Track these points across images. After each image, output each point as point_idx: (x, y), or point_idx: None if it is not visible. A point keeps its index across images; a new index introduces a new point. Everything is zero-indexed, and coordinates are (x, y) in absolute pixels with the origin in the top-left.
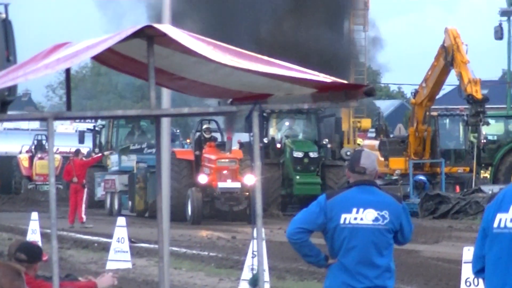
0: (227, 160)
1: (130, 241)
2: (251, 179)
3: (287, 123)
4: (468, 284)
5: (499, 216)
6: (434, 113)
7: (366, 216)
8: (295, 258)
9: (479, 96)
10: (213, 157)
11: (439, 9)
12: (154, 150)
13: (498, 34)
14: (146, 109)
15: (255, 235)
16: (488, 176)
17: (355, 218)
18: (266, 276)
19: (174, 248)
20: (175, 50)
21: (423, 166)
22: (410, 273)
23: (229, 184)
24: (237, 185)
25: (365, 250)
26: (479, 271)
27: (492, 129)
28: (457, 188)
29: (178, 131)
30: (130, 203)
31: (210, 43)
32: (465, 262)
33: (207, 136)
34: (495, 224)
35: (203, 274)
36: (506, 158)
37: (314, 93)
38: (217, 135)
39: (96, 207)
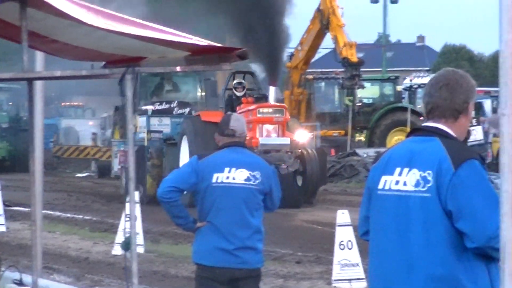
0: (271, 109)
1: (5, 204)
2: (304, 135)
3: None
4: (342, 247)
5: (384, 178)
6: (310, 77)
7: (238, 176)
8: (169, 222)
9: (354, 59)
10: (252, 107)
11: None
12: (188, 111)
13: None
14: (18, 72)
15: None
16: (363, 139)
17: (227, 177)
18: (140, 239)
19: (49, 212)
20: (48, 13)
21: None
22: (285, 236)
23: (274, 139)
24: (285, 141)
25: (236, 210)
26: (365, 233)
27: (368, 93)
28: (332, 151)
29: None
30: (140, 186)
31: (83, 6)
32: (339, 225)
33: (239, 93)
34: (380, 186)
35: (77, 238)
36: (381, 121)
37: (187, 56)
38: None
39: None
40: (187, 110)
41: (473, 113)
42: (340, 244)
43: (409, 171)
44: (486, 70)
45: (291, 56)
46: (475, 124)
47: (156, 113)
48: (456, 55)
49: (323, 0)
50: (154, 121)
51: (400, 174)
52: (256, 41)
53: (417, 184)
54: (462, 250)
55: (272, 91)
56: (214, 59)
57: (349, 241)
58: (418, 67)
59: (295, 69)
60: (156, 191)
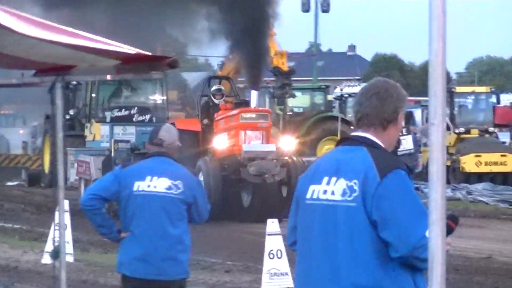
0: (254, 114)
1: None
2: (289, 142)
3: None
4: (271, 256)
5: (312, 187)
6: (241, 85)
7: (159, 184)
8: None
9: (285, 68)
10: (233, 112)
11: None
12: (148, 117)
13: (305, 6)
14: None
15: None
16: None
17: (148, 186)
18: (70, 248)
19: None
20: None
21: None
22: (214, 245)
23: (259, 146)
24: (271, 147)
25: (157, 219)
26: (293, 243)
27: (298, 102)
28: None
29: None
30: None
31: (13, 14)
32: (268, 235)
33: (217, 100)
34: (308, 195)
35: (6, 247)
36: (311, 130)
37: (117, 65)
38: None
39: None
40: (147, 116)
41: (403, 122)
42: (269, 253)
43: (336, 180)
44: (416, 79)
45: (222, 65)
46: (405, 133)
47: (115, 120)
48: (387, 64)
49: None
50: (118, 129)
51: (328, 183)
52: (237, 42)
53: (343, 194)
54: (388, 260)
55: (254, 96)
56: (145, 67)
57: (279, 250)
58: (349, 76)
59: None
60: None
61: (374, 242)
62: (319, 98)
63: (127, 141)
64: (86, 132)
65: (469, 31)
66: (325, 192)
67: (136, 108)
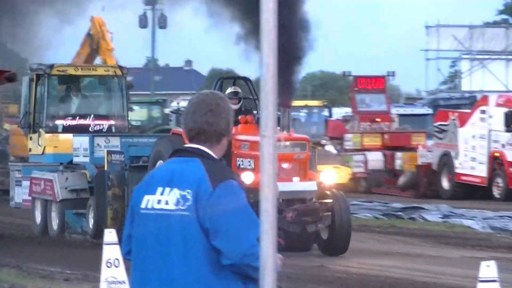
0: (288, 143)
1: None
2: (331, 175)
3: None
4: (108, 265)
5: (146, 197)
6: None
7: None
8: None
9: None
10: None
11: None
12: (107, 126)
13: (143, 22)
14: None
15: None
16: None
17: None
18: None
19: None
20: None
21: None
22: (54, 254)
23: (297, 185)
24: (311, 186)
25: None
26: (128, 252)
27: (136, 115)
28: None
29: None
30: (89, 223)
31: None
32: (106, 244)
33: (234, 106)
34: (143, 205)
35: None
36: None
37: None
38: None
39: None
40: (106, 125)
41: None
42: (107, 262)
43: (170, 190)
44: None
45: None
46: None
47: (68, 129)
48: None
49: (93, 24)
50: (100, 141)
51: (162, 193)
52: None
53: (177, 203)
54: (220, 268)
55: (286, 115)
56: None
57: (116, 259)
58: (185, 90)
59: None
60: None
61: (207, 250)
62: (156, 112)
63: (121, 152)
64: (31, 145)
65: None
66: (159, 202)
67: (92, 116)
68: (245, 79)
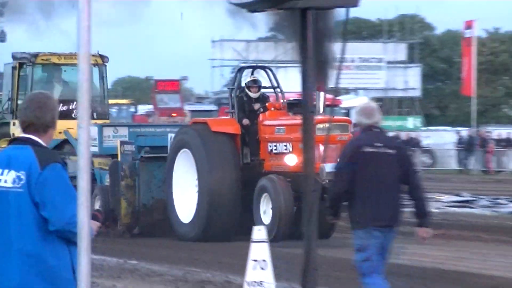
0: (330, 125)
1: None
2: None
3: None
4: None
5: None
6: None
7: None
8: None
9: None
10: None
11: None
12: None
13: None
14: None
15: None
16: None
17: None
18: None
19: None
20: None
21: None
22: None
23: None
24: None
25: None
26: None
27: None
28: None
29: None
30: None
31: None
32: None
33: (254, 95)
34: None
35: None
36: None
37: None
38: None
39: None
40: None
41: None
42: None
43: (8, 172)
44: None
45: None
46: None
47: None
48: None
49: None
50: (108, 131)
51: (1, 174)
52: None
53: (14, 182)
54: (48, 233)
55: (321, 98)
56: None
57: None
58: None
59: None
60: (131, 219)
61: (37, 219)
62: None
63: (131, 143)
64: (14, 130)
65: (117, 56)
66: None
67: (75, 102)
68: (265, 68)
